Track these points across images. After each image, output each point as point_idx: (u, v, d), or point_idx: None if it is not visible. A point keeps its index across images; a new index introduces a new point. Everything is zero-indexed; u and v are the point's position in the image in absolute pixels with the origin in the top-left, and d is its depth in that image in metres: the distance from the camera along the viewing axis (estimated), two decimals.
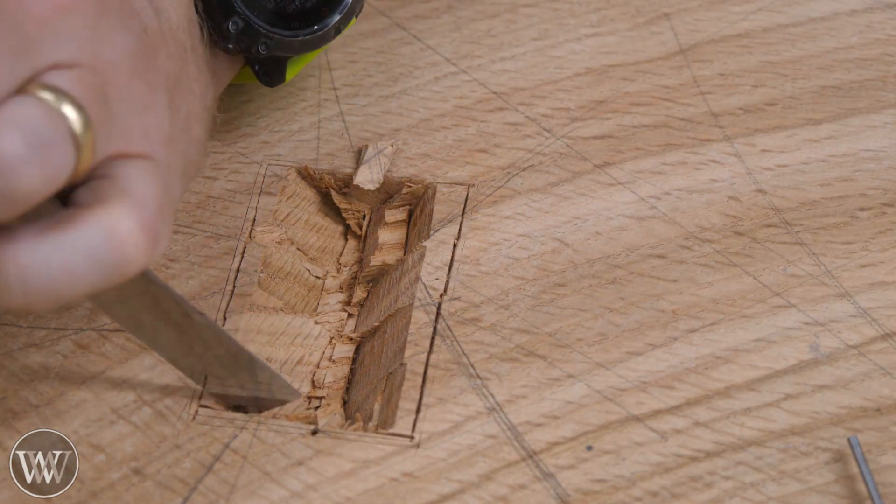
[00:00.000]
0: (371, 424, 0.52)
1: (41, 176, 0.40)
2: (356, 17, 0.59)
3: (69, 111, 0.41)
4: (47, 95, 0.41)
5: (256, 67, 0.57)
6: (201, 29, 0.53)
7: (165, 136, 0.46)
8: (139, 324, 0.50)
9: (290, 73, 0.59)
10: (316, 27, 0.58)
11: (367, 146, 0.61)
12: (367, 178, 0.60)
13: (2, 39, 0.41)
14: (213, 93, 0.54)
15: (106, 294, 0.48)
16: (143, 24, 0.46)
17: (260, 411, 0.53)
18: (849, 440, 0.50)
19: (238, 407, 0.53)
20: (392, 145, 0.61)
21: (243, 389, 0.52)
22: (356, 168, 0.60)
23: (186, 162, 0.49)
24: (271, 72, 0.58)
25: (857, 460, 0.49)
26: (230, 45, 0.55)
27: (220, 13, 0.54)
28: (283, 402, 0.53)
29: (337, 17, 0.58)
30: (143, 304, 0.49)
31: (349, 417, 0.54)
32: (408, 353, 0.53)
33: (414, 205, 0.60)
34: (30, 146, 0.40)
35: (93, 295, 0.44)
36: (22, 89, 0.41)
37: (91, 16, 0.43)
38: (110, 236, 0.42)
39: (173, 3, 0.50)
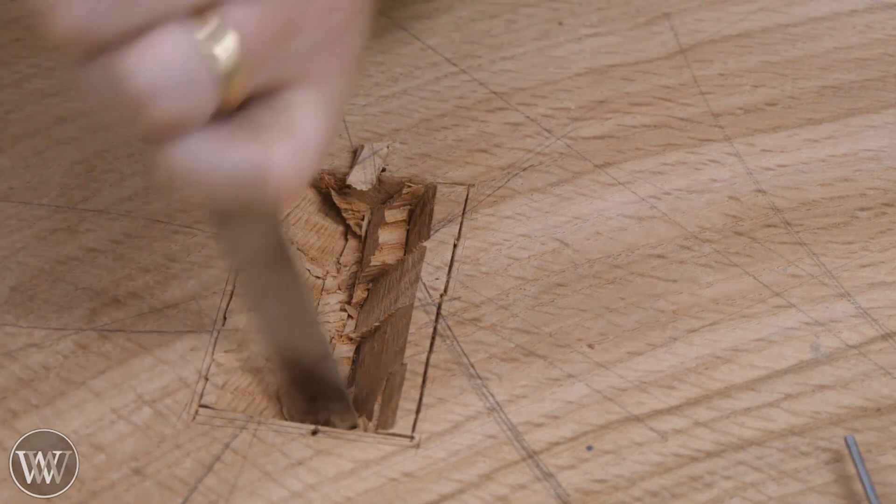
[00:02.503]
0: (371, 424, 0.52)
1: (174, 111, 0.41)
2: None
3: (222, 49, 0.41)
4: (206, 30, 0.41)
5: None
6: None
7: (342, 67, 0.46)
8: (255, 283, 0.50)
9: None
10: None
11: (362, 146, 0.61)
12: (361, 178, 0.60)
13: None
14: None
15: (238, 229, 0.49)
16: None
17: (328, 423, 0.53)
18: (845, 439, 0.50)
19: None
20: (388, 146, 0.61)
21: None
22: (350, 168, 0.60)
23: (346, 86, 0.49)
24: None
25: (853, 458, 0.49)
26: None
27: None
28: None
29: None
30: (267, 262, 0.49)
31: None
32: (408, 353, 0.53)
33: (414, 205, 0.60)
34: (163, 82, 0.40)
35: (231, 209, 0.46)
36: (199, 13, 0.41)
37: None
38: (261, 170, 0.43)
39: None
